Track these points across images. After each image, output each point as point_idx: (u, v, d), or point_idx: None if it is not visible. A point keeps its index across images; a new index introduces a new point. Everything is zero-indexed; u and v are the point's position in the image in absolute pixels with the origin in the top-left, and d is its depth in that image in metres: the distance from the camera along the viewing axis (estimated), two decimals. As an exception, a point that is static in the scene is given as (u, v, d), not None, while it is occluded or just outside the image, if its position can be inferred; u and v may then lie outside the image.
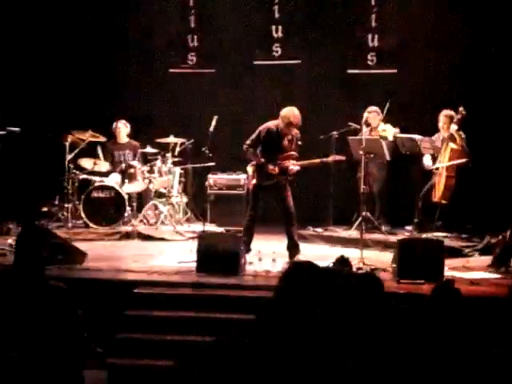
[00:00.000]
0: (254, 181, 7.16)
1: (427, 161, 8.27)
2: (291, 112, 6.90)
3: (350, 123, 8.37)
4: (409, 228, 8.27)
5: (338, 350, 2.49)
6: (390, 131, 8.41)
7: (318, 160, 7.37)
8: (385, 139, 8.29)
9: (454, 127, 8.03)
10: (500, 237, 6.91)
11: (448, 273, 6.22)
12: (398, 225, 8.53)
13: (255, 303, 5.28)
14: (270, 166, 7.01)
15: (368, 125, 8.29)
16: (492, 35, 8.97)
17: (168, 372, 2.68)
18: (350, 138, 8.26)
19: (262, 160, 7.03)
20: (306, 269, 2.54)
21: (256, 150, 7.07)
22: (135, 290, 5.96)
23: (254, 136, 7.08)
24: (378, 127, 8.50)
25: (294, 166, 7.06)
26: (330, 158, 7.52)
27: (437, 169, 8.19)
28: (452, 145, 8.04)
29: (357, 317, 2.75)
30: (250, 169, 7.26)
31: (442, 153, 8.15)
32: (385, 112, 8.29)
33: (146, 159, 9.31)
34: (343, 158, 7.57)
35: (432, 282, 5.48)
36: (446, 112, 8.19)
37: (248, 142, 7.08)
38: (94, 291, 5.91)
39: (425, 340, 2.73)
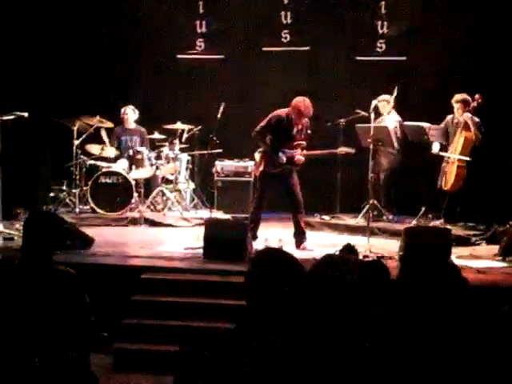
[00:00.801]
0: (261, 168, 7.15)
1: (436, 147, 8.20)
2: (302, 102, 6.86)
3: (358, 110, 8.34)
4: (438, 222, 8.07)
5: (338, 339, 2.50)
6: (391, 118, 8.35)
7: (326, 151, 7.35)
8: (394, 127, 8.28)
9: (467, 115, 7.95)
10: (507, 226, 6.88)
11: (455, 261, 6.20)
12: (405, 213, 8.51)
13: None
14: (278, 155, 6.99)
15: (378, 113, 8.24)
16: (504, 20, 8.89)
17: (174, 357, 2.71)
18: (358, 125, 8.23)
19: (271, 148, 7.01)
20: (271, 256, 2.60)
21: (265, 137, 7.05)
22: (142, 276, 5.98)
23: (263, 123, 7.06)
24: (387, 116, 8.44)
25: (300, 156, 7.03)
26: (339, 150, 7.48)
27: (448, 157, 8.13)
28: (466, 133, 7.96)
29: (363, 304, 2.76)
30: (257, 155, 7.24)
31: (455, 140, 8.06)
32: (393, 98, 8.25)
33: (153, 145, 9.31)
34: (352, 150, 7.51)
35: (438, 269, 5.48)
36: (457, 97, 8.09)
37: (257, 128, 7.06)
38: (101, 276, 5.93)
39: (432, 328, 2.72)
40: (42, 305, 3.87)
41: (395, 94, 8.19)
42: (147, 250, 6.91)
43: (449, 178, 8.07)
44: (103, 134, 9.06)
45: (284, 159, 7.01)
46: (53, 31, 9.54)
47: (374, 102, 8.02)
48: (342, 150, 7.51)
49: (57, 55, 9.58)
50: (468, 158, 7.91)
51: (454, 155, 8.01)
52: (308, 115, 6.91)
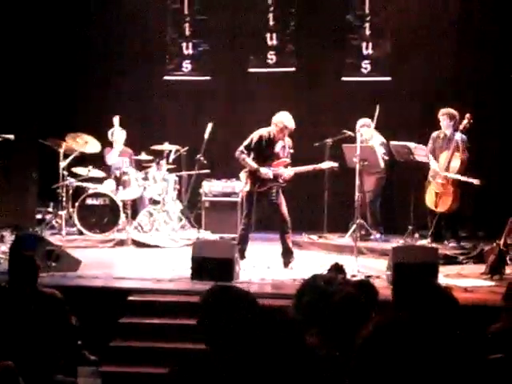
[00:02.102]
0: (247, 188, 7.16)
1: (434, 164, 8.17)
2: (285, 116, 6.94)
3: (345, 131, 8.38)
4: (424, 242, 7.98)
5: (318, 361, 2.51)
6: (375, 141, 8.36)
7: (311, 166, 7.35)
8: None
9: (458, 135, 7.95)
10: (494, 244, 6.92)
11: (442, 280, 6.23)
12: (392, 232, 8.54)
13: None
14: (264, 172, 7.01)
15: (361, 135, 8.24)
16: (486, 42, 9.01)
17: (162, 379, 2.69)
18: (345, 145, 8.28)
19: (255, 166, 7.02)
20: (219, 295, 2.66)
21: (248, 156, 7.07)
22: (129, 298, 5.94)
23: (246, 142, 7.09)
24: (370, 139, 8.42)
25: (288, 171, 7.06)
26: (323, 165, 7.49)
27: (439, 177, 8.06)
28: (460, 155, 7.91)
29: (351, 325, 2.76)
30: (242, 175, 7.25)
31: (445, 158, 8.01)
32: (375, 119, 8.26)
33: (140, 166, 9.30)
34: (336, 164, 7.56)
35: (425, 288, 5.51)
36: (443, 110, 8.04)
37: (241, 148, 7.09)
38: (88, 299, 5.89)
39: (422, 348, 2.72)
40: (29, 327, 3.84)
41: (377, 113, 8.19)
42: (134, 271, 6.88)
43: (445, 200, 7.98)
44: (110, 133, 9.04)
45: (270, 175, 7.02)
46: (39, 52, 9.55)
47: (359, 122, 8.09)
48: (327, 164, 7.51)
49: (43, 77, 9.58)
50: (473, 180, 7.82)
51: (452, 175, 7.91)
52: (291, 128, 6.95)
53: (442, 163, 8.02)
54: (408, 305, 2.88)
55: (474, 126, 8.00)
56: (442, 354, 2.69)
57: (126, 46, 9.92)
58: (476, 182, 7.69)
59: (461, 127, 7.92)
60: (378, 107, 8.15)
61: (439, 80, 9.15)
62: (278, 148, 7.07)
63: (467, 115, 7.87)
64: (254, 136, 7.06)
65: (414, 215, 8.15)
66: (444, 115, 8.05)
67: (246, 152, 7.04)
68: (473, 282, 6.48)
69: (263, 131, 7.05)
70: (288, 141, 7.11)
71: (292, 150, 7.16)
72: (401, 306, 2.98)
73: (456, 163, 7.92)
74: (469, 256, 7.63)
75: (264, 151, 7.03)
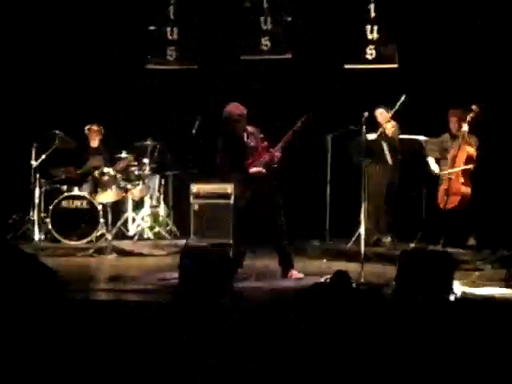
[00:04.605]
0: (237, 193, 7.21)
1: (433, 165, 8.33)
2: (228, 107, 7.05)
3: (351, 126, 8.38)
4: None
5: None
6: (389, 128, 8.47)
7: (285, 138, 7.21)
8: (391, 139, 8.33)
9: (465, 128, 8.06)
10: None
11: (459, 288, 6.26)
12: (402, 237, 8.57)
13: (244, 321, 5.32)
14: (253, 169, 7.07)
15: (377, 124, 8.33)
16: (503, 19, 9.04)
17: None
18: (349, 141, 8.32)
19: (242, 170, 7.07)
20: None
21: (234, 164, 7.12)
22: (112, 312, 5.96)
23: (220, 154, 7.15)
24: (386, 124, 8.50)
25: (274, 152, 7.07)
26: (299, 123, 7.34)
27: (449, 174, 8.19)
28: (469, 149, 8.07)
29: (358, 333, 2.80)
30: (231, 188, 7.31)
31: (456, 156, 8.14)
32: (397, 107, 8.30)
33: (121, 165, 9.32)
34: (309, 114, 7.56)
35: (439, 297, 5.57)
36: (452, 111, 8.27)
37: (221, 163, 7.15)
38: (67, 313, 5.90)
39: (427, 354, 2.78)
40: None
41: (401, 101, 8.26)
42: (116, 282, 6.91)
43: (453, 196, 8.11)
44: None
45: (262, 169, 7.07)
46: (12, 46, 9.60)
47: (365, 114, 8.12)
48: (301, 122, 7.37)
49: (16, 71, 9.64)
50: (469, 167, 8.01)
51: (456, 169, 8.08)
52: (243, 111, 7.04)
53: (449, 160, 8.13)
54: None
55: (489, 120, 8.07)
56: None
57: (103, 30, 9.93)
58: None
59: (468, 119, 8.01)
60: (402, 98, 8.19)
61: (451, 68, 9.18)
62: (246, 139, 7.14)
63: (473, 106, 7.95)
64: (222, 142, 7.14)
65: (425, 218, 8.20)
66: (453, 116, 8.21)
67: (227, 163, 7.10)
68: (492, 289, 6.52)
69: (223, 134, 7.13)
70: (251, 128, 7.17)
71: (262, 135, 7.21)
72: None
73: (464, 157, 8.05)
74: (487, 261, 7.68)
75: (237, 150, 7.10)
